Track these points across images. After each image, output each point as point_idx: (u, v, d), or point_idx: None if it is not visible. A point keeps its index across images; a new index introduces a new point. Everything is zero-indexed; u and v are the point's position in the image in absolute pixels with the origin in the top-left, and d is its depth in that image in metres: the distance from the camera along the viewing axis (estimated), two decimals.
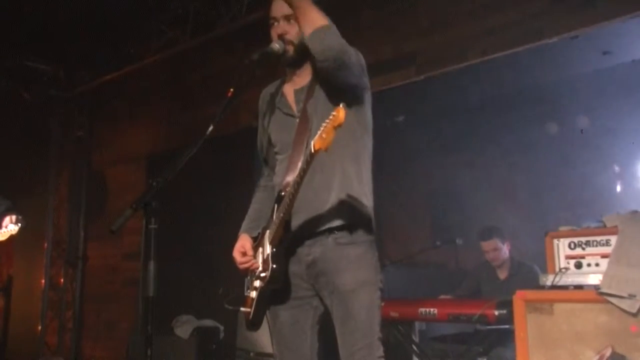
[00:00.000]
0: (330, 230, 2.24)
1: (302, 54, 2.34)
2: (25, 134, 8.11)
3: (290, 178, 2.24)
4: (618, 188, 5.11)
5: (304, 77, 2.41)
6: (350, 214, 2.25)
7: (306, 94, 2.35)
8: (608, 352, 2.65)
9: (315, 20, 2.16)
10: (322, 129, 1.90)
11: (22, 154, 8.08)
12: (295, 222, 2.26)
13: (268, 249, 2.26)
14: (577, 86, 4.86)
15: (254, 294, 2.32)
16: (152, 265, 2.14)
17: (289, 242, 2.26)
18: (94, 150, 7.71)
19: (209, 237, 6.19)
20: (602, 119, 5.01)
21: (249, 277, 2.41)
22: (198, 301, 5.87)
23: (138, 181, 6.82)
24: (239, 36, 5.65)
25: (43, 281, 7.56)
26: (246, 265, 2.35)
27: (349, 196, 2.25)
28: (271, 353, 4.75)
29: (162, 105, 6.81)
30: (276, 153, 2.44)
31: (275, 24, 2.36)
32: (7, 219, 4.77)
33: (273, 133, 2.46)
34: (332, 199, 2.25)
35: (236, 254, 2.38)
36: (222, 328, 5.60)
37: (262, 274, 2.27)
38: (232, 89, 2.33)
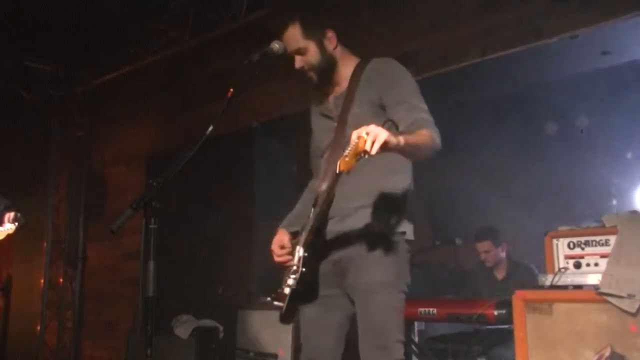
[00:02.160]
0: (357, 234, 2.30)
1: (325, 71, 2.43)
2: (25, 134, 8.11)
3: (324, 186, 2.33)
4: (617, 188, 5.11)
5: (340, 84, 2.47)
6: (375, 219, 2.29)
7: (344, 100, 2.40)
8: (607, 352, 2.65)
9: (424, 154, 2.22)
10: (347, 151, 1.92)
11: (22, 154, 8.08)
12: (328, 227, 2.34)
13: (300, 252, 2.30)
14: (577, 86, 4.86)
15: (287, 290, 2.36)
16: (152, 265, 2.15)
17: (320, 244, 2.31)
18: (94, 150, 7.70)
19: (209, 237, 6.20)
20: (602, 119, 5.01)
21: (285, 273, 2.44)
22: (198, 301, 5.87)
23: (138, 181, 6.81)
24: (239, 36, 5.65)
25: (42, 281, 7.55)
26: (282, 259, 2.41)
27: (375, 204, 2.30)
28: (271, 353, 4.76)
29: (162, 105, 6.80)
30: (319, 156, 2.55)
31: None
32: (5, 218, 4.75)
33: (316, 137, 2.59)
34: (359, 205, 2.31)
35: (275, 247, 2.45)
36: (221, 328, 5.60)
37: (294, 275, 2.32)
38: (232, 89, 2.34)
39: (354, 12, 4.91)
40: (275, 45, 2.38)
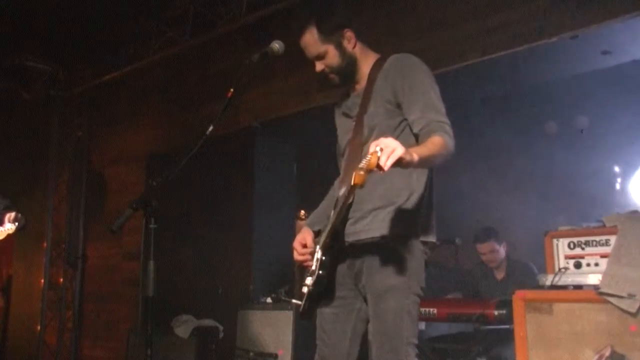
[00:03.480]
0: (371, 237, 2.30)
1: (347, 71, 2.42)
2: (25, 134, 8.11)
3: (343, 189, 2.32)
4: (618, 188, 5.11)
5: (360, 82, 2.46)
6: (388, 222, 2.28)
7: (362, 99, 2.40)
8: (607, 352, 2.65)
9: (437, 162, 2.20)
10: (362, 164, 1.91)
11: (22, 154, 8.08)
12: (346, 229, 2.34)
13: (319, 254, 2.30)
14: (577, 86, 4.85)
15: (305, 289, 2.37)
16: (151, 265, 2.15)
17: (338, 247, 2.31)
18: (94, 150, 7.70)
19: (209, 237, 6.20)
20: (602, 119, 5.01)
21: (305, 272, 2.46)
22: (198, 301, 5.87)
23: (138, 181, 6.81)
24: (238, 36, 5.65)
25: (42, 281, 7.55)
26: (302, 258, 2.42)
27: (390, 206, 2.29)
28: (271, 353, 4.76)
29: (162, 105, 6.81)
30: (341, 155, 2.54)
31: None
32: (5, 218, 4.74)
33: (338, 136, 2.57)
34: (373, 208, 2.31)
35: (297, 245, 2.45)
36: (221, 328, 5.60)
37: (311, 277, 2.33)
38: (232, 89, 2.34)
39: (354, 11, 4.90)
40: (275, 45, 2.37)
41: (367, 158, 1.89)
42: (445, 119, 2.26)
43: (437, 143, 2.15)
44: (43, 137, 7.90)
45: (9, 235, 4.78)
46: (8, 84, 7.22)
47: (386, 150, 1.87)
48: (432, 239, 2.37)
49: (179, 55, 6.27)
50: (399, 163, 1.91)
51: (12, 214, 4.71)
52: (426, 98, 2.28)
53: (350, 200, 2.21)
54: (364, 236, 2.31)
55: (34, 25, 6.27)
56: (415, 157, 1.98)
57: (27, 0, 5.76)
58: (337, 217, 2.25)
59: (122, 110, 7.31)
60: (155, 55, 6.32)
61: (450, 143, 2.20)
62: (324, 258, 2.26)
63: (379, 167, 1.88)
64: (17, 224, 4.70)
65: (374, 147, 1.88)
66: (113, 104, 7.45)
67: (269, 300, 5.03)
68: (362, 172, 1.89)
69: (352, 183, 1.92)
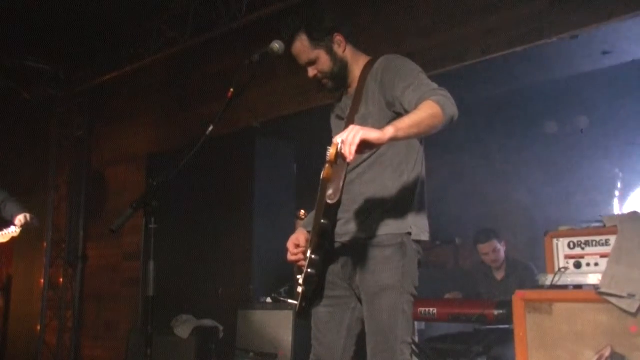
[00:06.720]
0: (363, 237, 2.31)
1: (338, 75, 2.43)
2: (25, 134, 8.11)
3: (330, 191, 2.28)
4: (618, 188, 5.11)
5: (352, 85, 2.47)
6: (380, 223, 2.29)
7: (353, 100, 2.40)
8: (607, 352, 2.65)
9: (432, 126, 2.06)
10: (326, 159, 1.91)
11: (22, 154, 8.09)
12: (337, 229, 2.34)
13: (308, 253, 2.31)
14: (577, 86, 4.86)
15: (299, 289, 2.37)
16: (152, 265, 2.16)
17: (328, 246, 2.31)
18: (94, 150, 7.70)
19: (209, 237, 6.20)
20: (602, 119, 5.01)
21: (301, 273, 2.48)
22: (198, 301, 5.87)
23: (138, 181, 6.82)
24: (239, 36, 5.65)
25: (42, 281, 7.55)
26: (294, 258, 2.42)
27: (382, 206, 2.30)
28: (271, 353, 4.76)
29: (162, 105, 6.81)
30: None
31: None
32: (15, 220, 4.70)
33: (333, 138, 2.55)
34: (365, 208, 2.31)
35: (290, 245, 2.45)
36: (221, 328, 5.60)
37: (301, 276, 2.33)
38: (232, 89, 2.35)
39: (353, 12, 4.91)
40: (276, 45, 2.38)
41: (328, 151, 1.89)
42: (441, 90, 2.18)
43: (426, 107, 2.06)
44: (43, 136, 7.90)
45: (13, 239, 4.77)
46: (8, 84, 7.22)
47: (347, 139, 1.86)
48: (424, 237, 2.37)
49: (179, 55, 6.26)
50: (369, 145, 1.88)
51: (26, 217, 4.66)
52: (417, 80, 2.24)
53: (336, 200, 2.18)
54: (356, 236, 2.32)
55: (34, 25, 6.27)
56: (390, 131, 1.91)
57: (27, 0, 5.76)
58: (318, 214, 2.25)
59: (122, 110, 7.31)
60: (155, 55, 6.32)
61: (446, 103, 2.08)
62: (313, 256, 2.26)
63: (342, 157, 1.86)
64: (21, 229, 4.68)
65: (337, 139, 1.88)
66: (113, 104, 7.45)
67: (269, 300, 5.03)
68: (326, 166, 1.90)
69: (321, 177, 1.93)
